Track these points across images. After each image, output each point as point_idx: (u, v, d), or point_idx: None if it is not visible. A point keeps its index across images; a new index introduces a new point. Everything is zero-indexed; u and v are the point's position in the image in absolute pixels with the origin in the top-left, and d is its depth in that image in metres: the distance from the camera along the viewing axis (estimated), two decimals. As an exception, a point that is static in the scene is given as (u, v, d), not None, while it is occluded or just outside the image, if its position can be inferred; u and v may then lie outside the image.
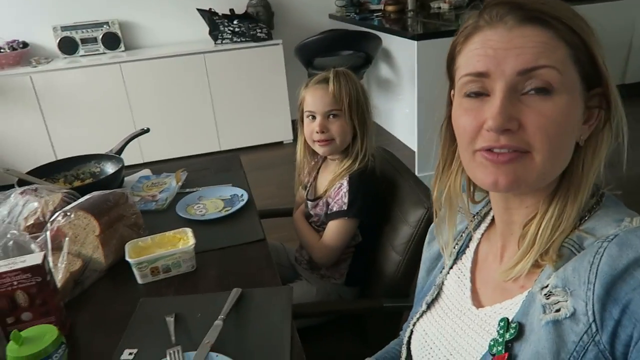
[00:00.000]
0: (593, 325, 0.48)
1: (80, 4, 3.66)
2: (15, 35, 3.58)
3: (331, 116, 1.29)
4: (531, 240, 0.58)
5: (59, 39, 3.58)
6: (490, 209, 0.72)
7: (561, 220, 0.56)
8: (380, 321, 1.31)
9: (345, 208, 1.28)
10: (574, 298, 0.50)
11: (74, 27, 3.59)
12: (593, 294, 0.48)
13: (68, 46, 3.60)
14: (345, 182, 1.30)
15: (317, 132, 1.30)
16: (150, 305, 0.97)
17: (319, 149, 1.34)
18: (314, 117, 1.31)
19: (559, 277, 0.53)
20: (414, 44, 2.84)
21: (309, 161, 1.47)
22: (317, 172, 1.47)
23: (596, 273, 0.49)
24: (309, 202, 1.43)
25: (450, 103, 0.66)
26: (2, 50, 3.42)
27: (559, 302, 0.51)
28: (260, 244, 1.17)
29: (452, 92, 0.65)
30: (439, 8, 3.97)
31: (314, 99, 1.30)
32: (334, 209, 1.31)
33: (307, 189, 1.48)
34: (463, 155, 0.61)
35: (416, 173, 3.07)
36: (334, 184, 1.33)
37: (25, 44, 3.58)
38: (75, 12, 3.65)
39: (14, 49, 3.47)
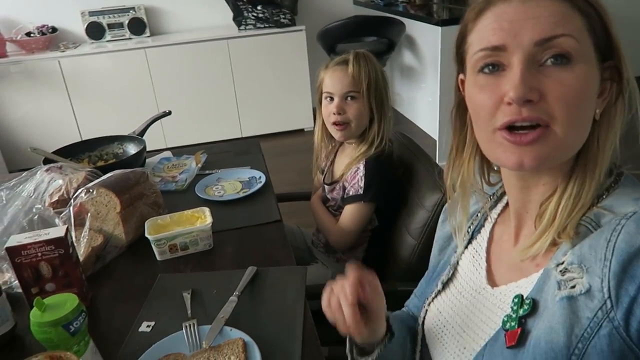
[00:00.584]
0: (608, 302, 0.48)
1: (107, -11, 3.73)
2: (45, 20, 3.66)
3: (349, 98, 1.29)
4: (550, 218, 0.57)
5: (86, 24, 3.64)
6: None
7: (580, 196, 0.56)
8: (394, 304, 1.31)
9: (361, 192, 1.28)
10: (590, 275, 0.49)
11: (101, 13, 3.65)
12: (609, 270, 0.48)
13: (95, 31, 3.67)
14: (361, 167, 1.29)
15: (334, 114, 1.29)
16: (168, 280, 1.00)
17: (335, 134, 1.34)
18: (332, 99, 1.31)
19: (575, 254, 0.52)
20: (437, 29, 2.80)
21: (327, 145, 1.47)
22: (334, 156, 1.47)
23: (613, 250, 0.48)
24: (326, 186, 1.43)
25: (458, 89, 0.66)
26: (32, 35, 3.51)
27: (574, 278, 0.51)
28: (276, 225, 1.18)
29: (460, 77, 0.65)
30: (469, -7, 3.87)
31: (332, 80, 1.30)
32: (350, 193, 1.31)
33: (324, 173, 1.48)
34: (480, 135, 0.60)
35: (437, 162, 3.04)
36: (350, 168, 1.33)
37: (54, 29, 3.66)
38: (102, -3, 3.71)
39: (44, 34, 3.56)
